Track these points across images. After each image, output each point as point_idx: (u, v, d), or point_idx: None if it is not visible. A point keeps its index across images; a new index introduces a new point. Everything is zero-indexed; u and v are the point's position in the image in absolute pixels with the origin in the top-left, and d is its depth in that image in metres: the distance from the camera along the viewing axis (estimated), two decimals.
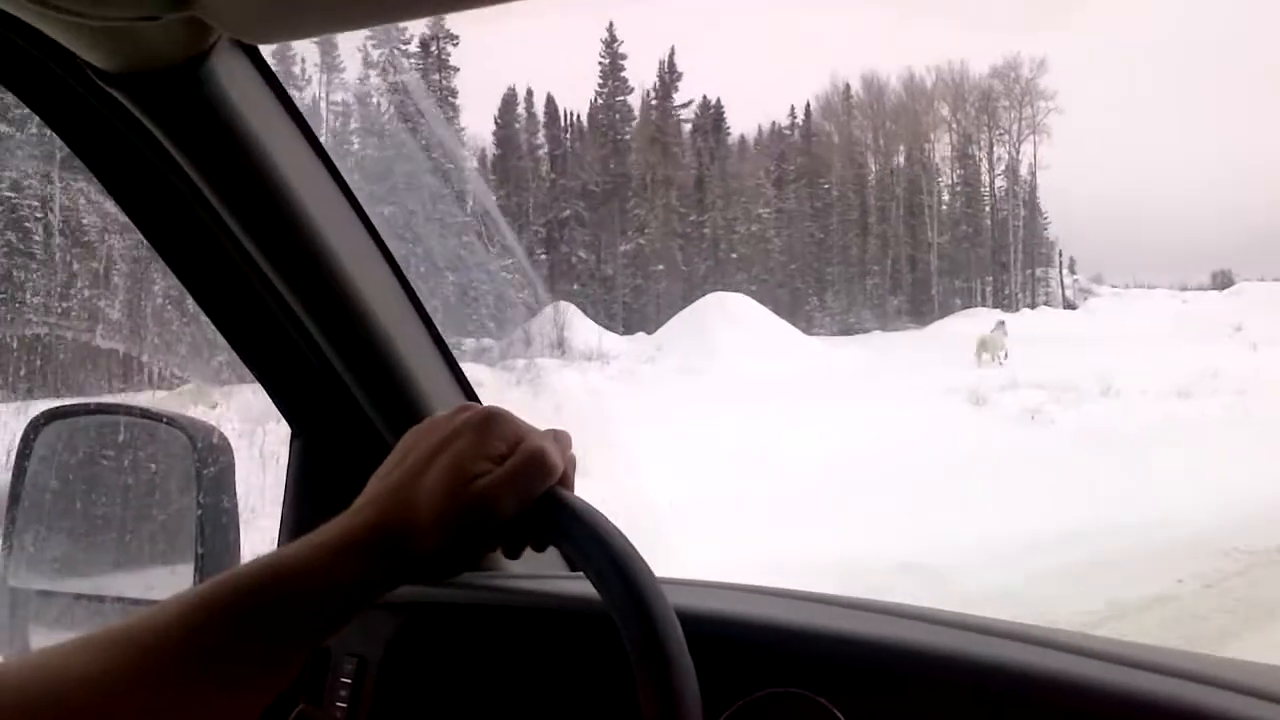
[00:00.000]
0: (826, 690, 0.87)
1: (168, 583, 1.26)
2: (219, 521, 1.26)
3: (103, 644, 0.78)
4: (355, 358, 1.26)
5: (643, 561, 0.79)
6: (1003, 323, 27.81)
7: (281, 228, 1.15)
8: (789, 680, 0.88)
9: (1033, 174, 54.40)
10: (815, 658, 0.90)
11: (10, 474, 1.37)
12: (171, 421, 1.32)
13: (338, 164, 1.22)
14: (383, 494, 0.85)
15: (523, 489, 0.83)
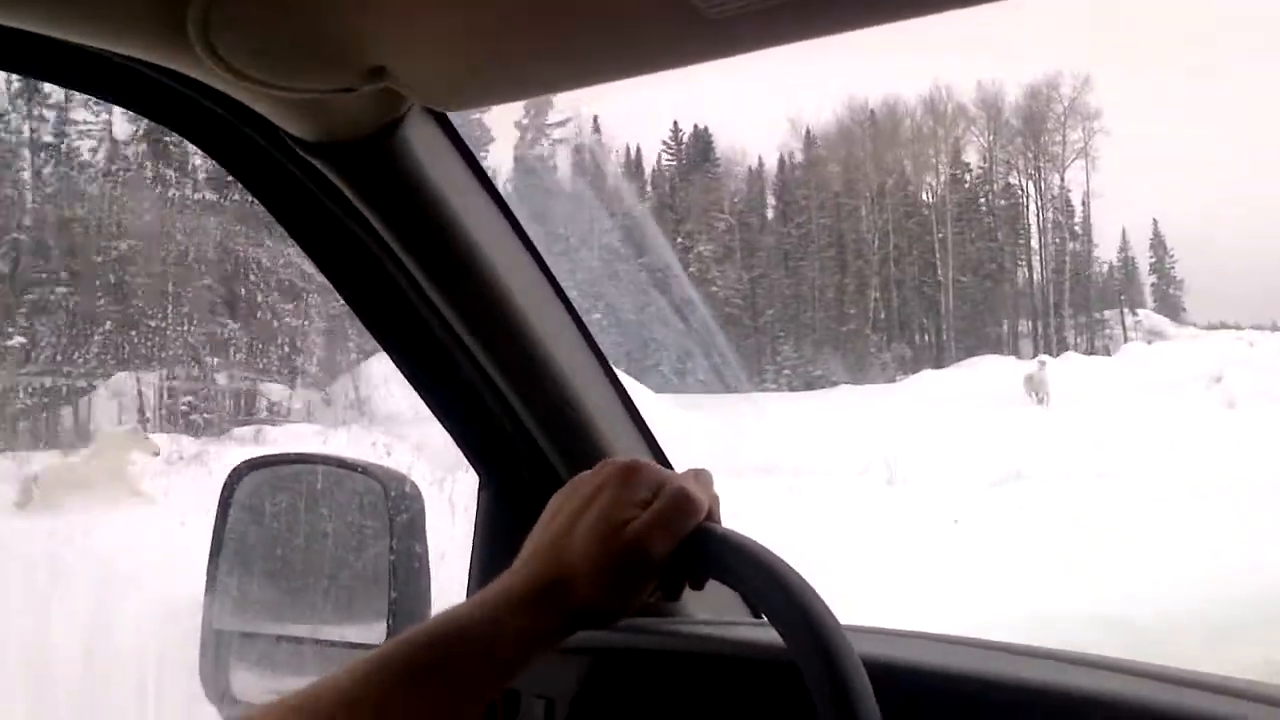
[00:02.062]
0: None
1: (363, 627, 1.36)
2: (411, 567, 1.35)
3: (290, 710, 0.89)
4: (541, 409, 1.34)
5: (811, 592, 0.84)
6: (1044, 361, 25.67)
7: (470, 284, 1.25)
8: None
9: (1085, 203, 46.08)
10: (1006, 711, 0.93)
11: (214, 521, 1.49)
12: (365, 470, 1.43)
13: (519, 217, 1.31)
14: (539, 551, 0.95)
15: (671, 529, 0.92)
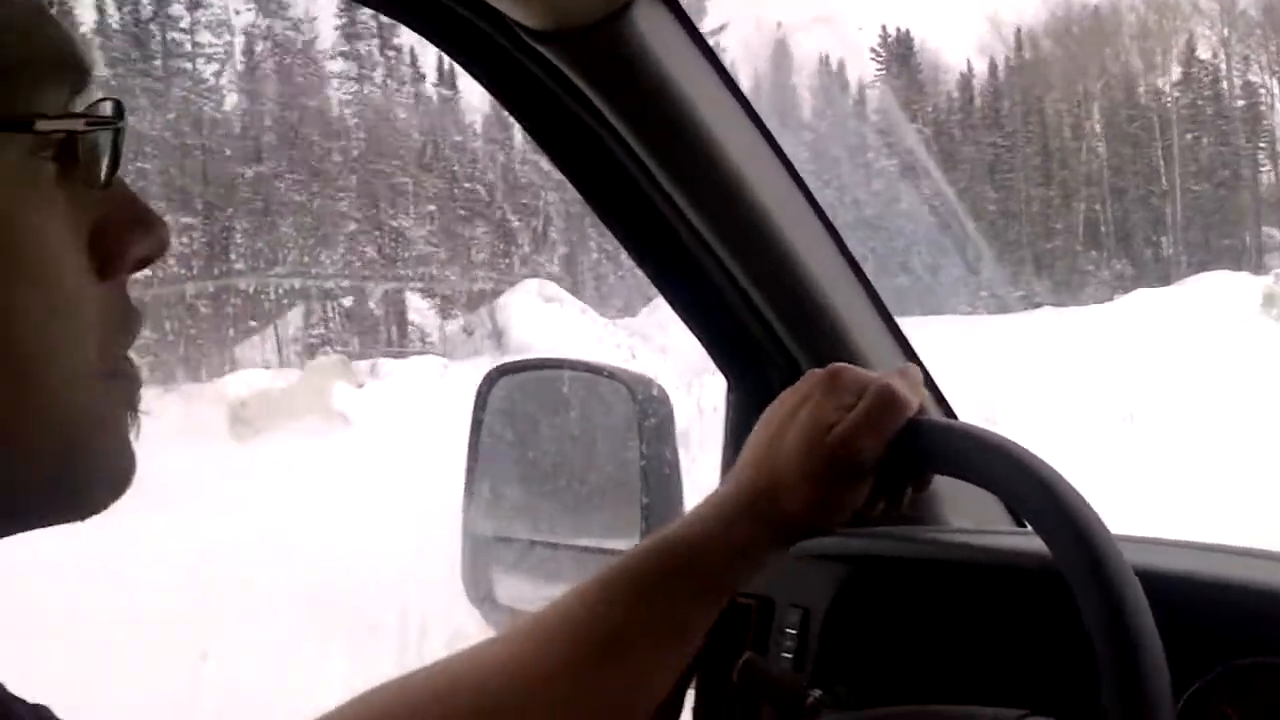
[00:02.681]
0: None
1: (618, 531, 1.37)
2: (661, 471, 1.35)
3: (519, 635, 0.93)
4: (789, 310, 1.32)
5: (1067, 484, 0.80)
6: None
7: (709, 176, 1.23)
8: (1270, 649, 0.86)
9: None
10: None
11: (470, 427, 1.52)
12: (612, 375, 1.43)
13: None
14: (748, 463, 0.95)
15: (877, 427, 0.90)
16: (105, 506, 0.54)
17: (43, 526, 0.53)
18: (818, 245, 1.32)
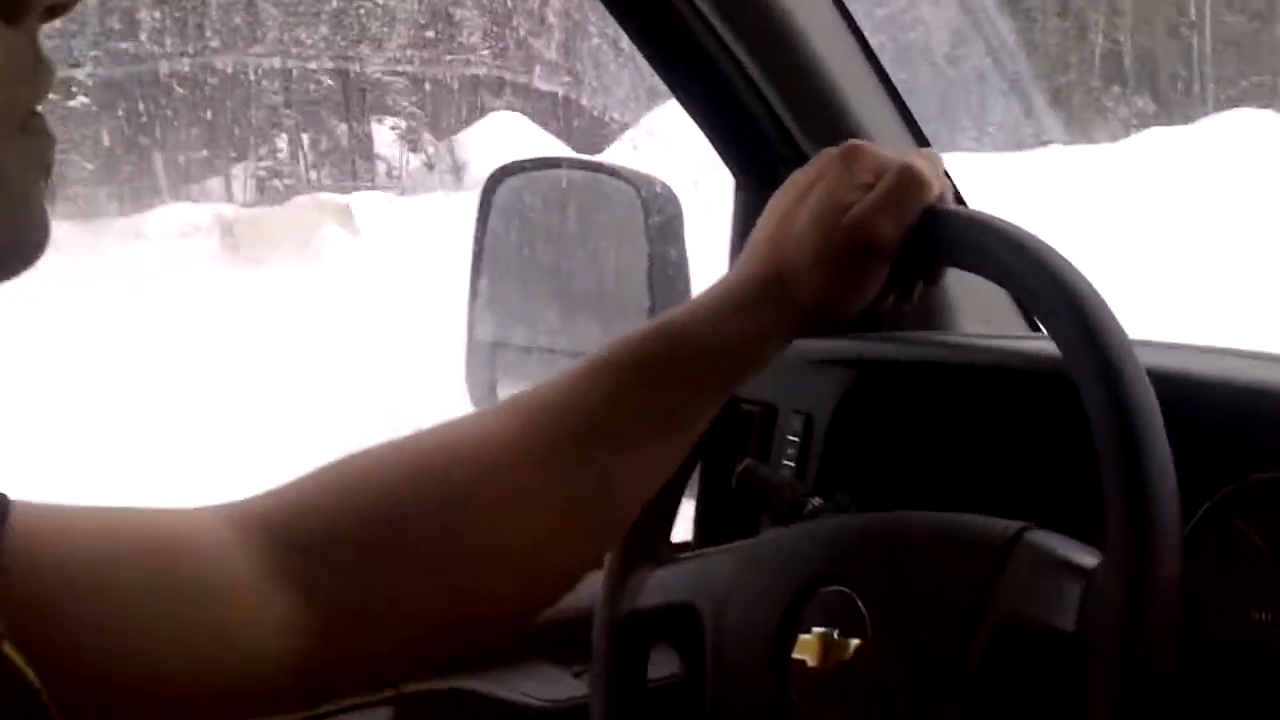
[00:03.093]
0: None
1: (621, 334, 1.34)
2: (667, 272, 1.32)
3: (504, 408, 0.87)
4: (801, 103, 1.26)
5: (1084, 282, 0.76)
6: None
7: None
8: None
9: None
10: None
11: (474, 228, 1.49)
12: (616, 173, 1.39)
13: None
14: (757, 246, 0.88)
15: (898, 208, 0.83)
16: (15, 274, 0.51)
17: None
18: (835, 35, 1.25)
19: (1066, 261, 0.78)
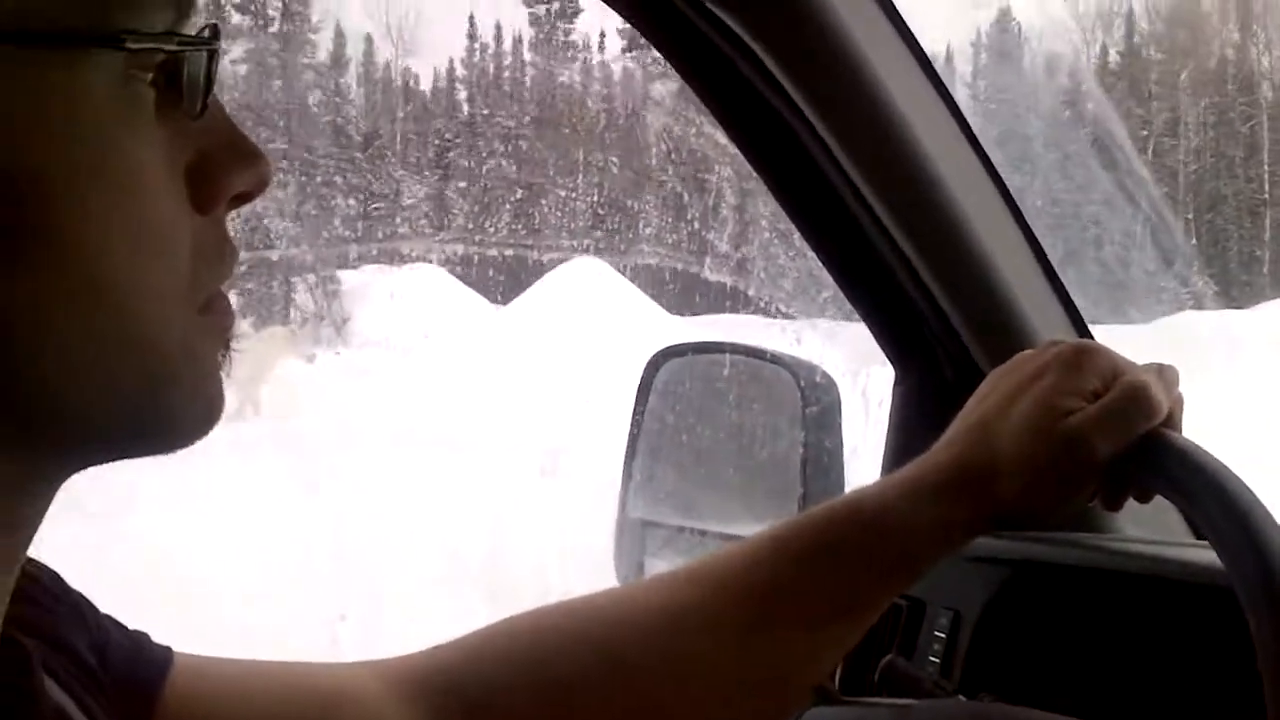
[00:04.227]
0: None
1: (771, 520, 1.35)
2: (821, 461, 1.33)
3: (680, 579, 0.87)
4: (968, 300, 1.27)
5: (1274, 524, 0.73)
6: None
7: (890, 151, 1.19)
8: None
9: None
10: None
11: (632, 408, 1.53)
12: (777, 360, 1.42)
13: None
14: (964, 433, 0.86)
15: (1120, 427, 0.81)
16: (193, 440, 0.55)
17: (131, 457, 0.54)
18: (1003, 233, 1.26)
19: (1239, 481, 0.76)
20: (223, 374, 0.56)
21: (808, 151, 1.23)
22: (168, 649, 0.73)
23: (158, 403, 0.52)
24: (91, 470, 0.54)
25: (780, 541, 0.85)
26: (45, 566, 0.68)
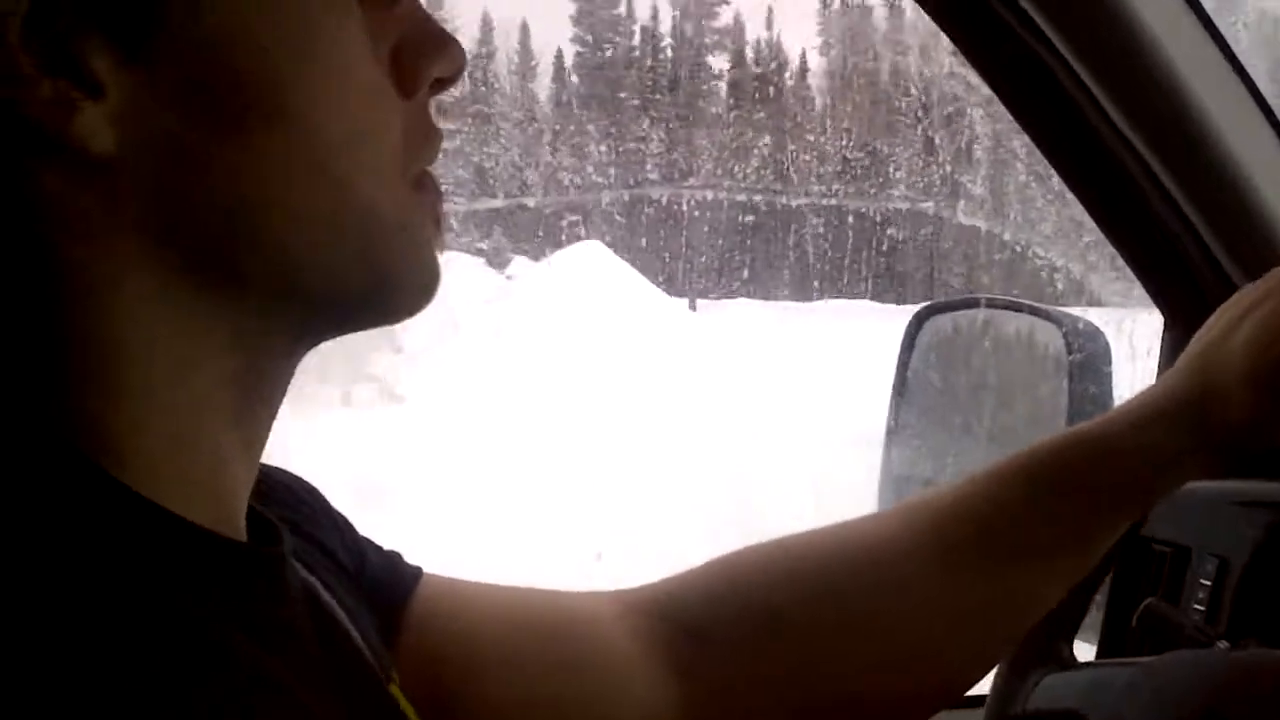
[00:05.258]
0: None
1: None
2: (1087, 411, 1.32)
3: (907, 510, 0.87)
4: (1236, 242, 1.23)
5: None
6: None
7: (1156, 90, 1.16)
8: None
9: None
10: None
11: (896, 365, 1.54)
12: (1037, 311, 1.41)
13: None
14: (1188, 362, 0.86)
15: None
16: (411, 313, 0.59)
17: (352, 330, 0.59)
18: (1273, 167, 1.22)
19: None
20: (436, 249, 0.60)
21: (1063, 87, 1.22)
22: (419, 567, 0.79)
23: (379, 273, 0.57)
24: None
25: (1004, 473, 0.85)
26: (309, 484, 0.75)
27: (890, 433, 1.52)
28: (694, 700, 0.81)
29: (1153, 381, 1.34)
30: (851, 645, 0.84)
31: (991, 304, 1.50)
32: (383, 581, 0.76)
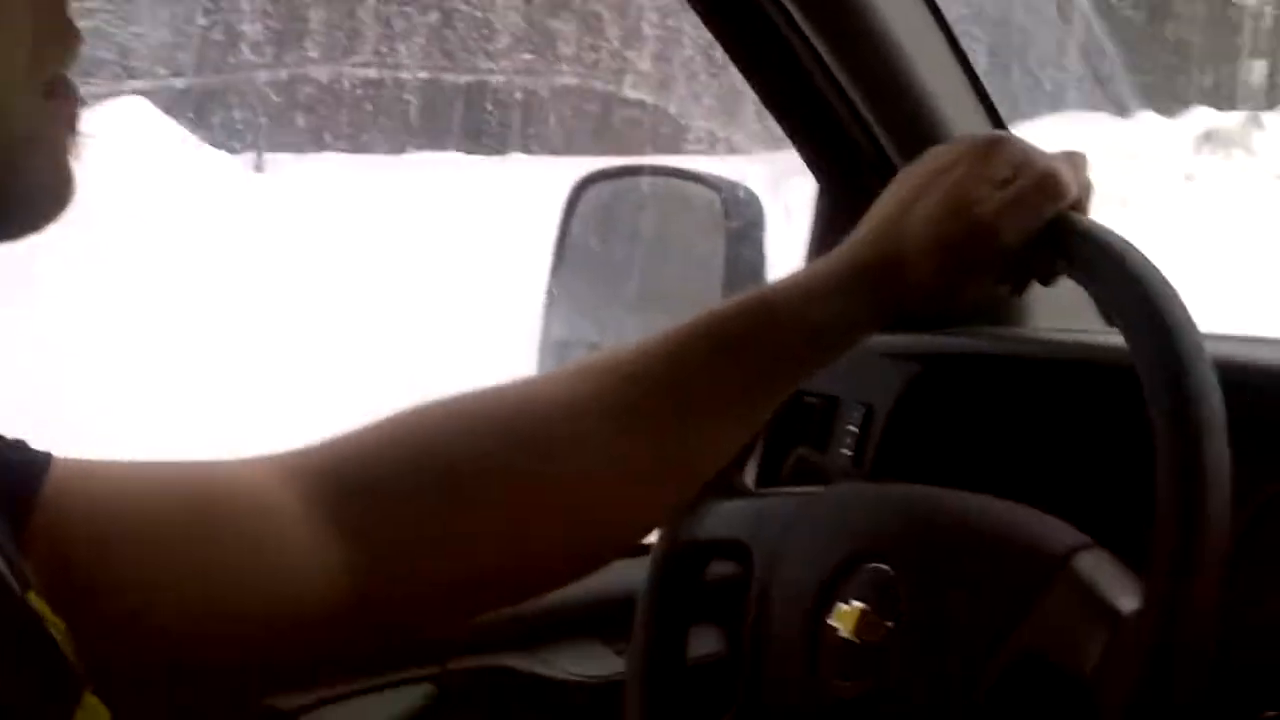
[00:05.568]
0: None
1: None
2: (743, 275, 1.34)
3: (584, 371, 0.87)
4: (890, 108, 1.27)
5: (1178, 300, 0.75)
6: None
7: None
8: None
9: None
10: None
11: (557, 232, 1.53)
12: (698, 178, 1.42)
13: None
14: (872, 227, 0.87)
15: (1028, 213, 0.82)
16: (40, 228, 0.55)
17: None
18: (922, 30, 1.26)
19: (1145, 258, 0.78)
20: (72, 159, 0.55)
21: None
22: (47, 453, 0.72)
23: (6, 187, 0.52)
24: None
25: (683, 336, 0.86)
26: None
27: (550, 298, 1.51)
28: (363, 561, 0.77)
29: (803, 244, 1.40)
30: (529, 504, 0.82)
31: (652, 171, 1.50)
32: (7, 474, 0.69)
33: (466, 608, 0.88)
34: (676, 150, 9.63)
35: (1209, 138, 12.35)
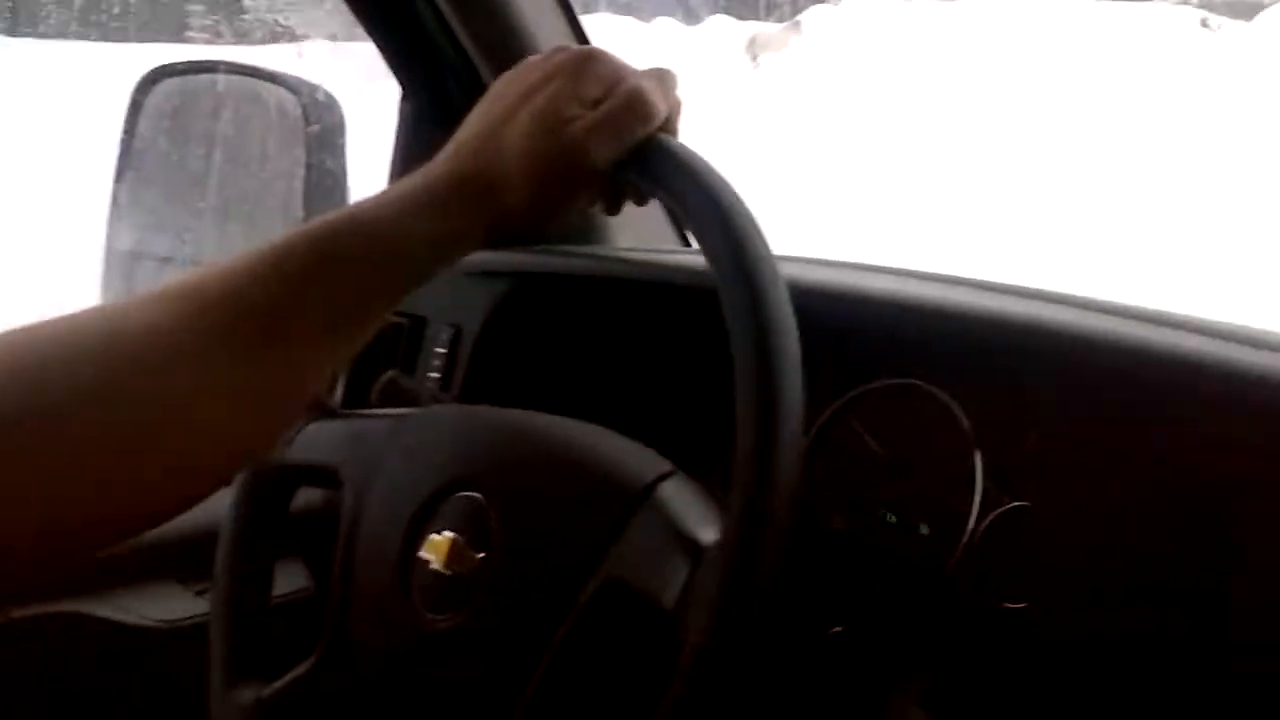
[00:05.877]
0: (946, 379, 0.84)
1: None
2: (325, 183, 1.30)
3: (170, 295, 0.81)
4: (468, 10, 1.24)
5: (750, 215, 0.77)
6: None
7: None
8: (906, 367, 0.86)
9: None
10: (936, 340, 0.87)
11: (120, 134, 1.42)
12: (275, 79, 1.35)
13: None
14: (466, 143, 0.85)
15: (618, 134, 0.82)
16: None
17: None
18: None
19: (724, 180, 0.79)
20: None
21: None
22: None
23: None
24: None
25: (275, 255, 0.80)
26: None
27: (114, 206, 1.40)
28: None
29: (389, 151, 1.36)
30: (124, 436, 0.76)
31: (226, 69, 1.41)
32: None
33: (57, 556, 0.81)
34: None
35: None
